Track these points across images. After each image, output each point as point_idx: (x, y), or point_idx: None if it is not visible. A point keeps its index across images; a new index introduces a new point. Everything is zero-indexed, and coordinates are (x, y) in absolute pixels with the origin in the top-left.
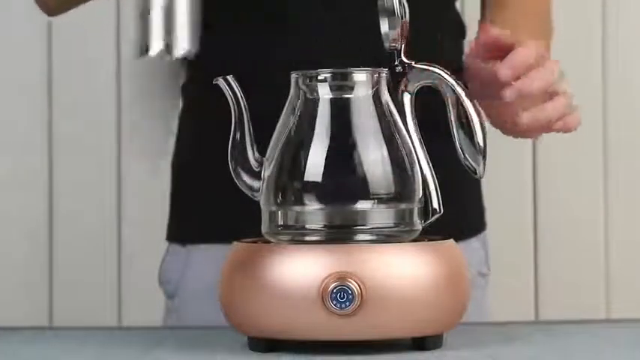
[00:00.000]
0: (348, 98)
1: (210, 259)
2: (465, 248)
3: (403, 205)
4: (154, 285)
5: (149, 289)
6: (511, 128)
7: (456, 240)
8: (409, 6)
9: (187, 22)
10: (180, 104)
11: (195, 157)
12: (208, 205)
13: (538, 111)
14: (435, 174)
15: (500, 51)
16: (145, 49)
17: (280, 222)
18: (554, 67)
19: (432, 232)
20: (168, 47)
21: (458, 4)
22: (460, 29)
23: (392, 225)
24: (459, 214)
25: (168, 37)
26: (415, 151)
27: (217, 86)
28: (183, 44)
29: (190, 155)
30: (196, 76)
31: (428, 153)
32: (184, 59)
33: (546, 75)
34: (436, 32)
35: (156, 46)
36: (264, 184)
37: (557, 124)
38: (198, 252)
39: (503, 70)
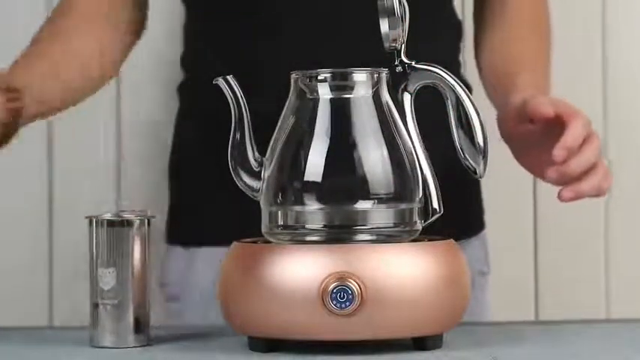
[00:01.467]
0: (348, 98)
1: (213, 261)
2: (465, 248)
3: (403, 205)
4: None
5: None
6: (538, 173)
7: (456, 239)
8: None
9: None
10: (178, 105)
11: (194, 158)
12: (210, 207)
13: (575, 185)
14: (435, 174)
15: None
16: None
17: (280, 222)
18: (598, 142)
19: (432, 232)
20: None
21: (458, 6)
22: (458, 30)
23: (392, 225)
24: (459, 214)
25: None
26: (415, 151)
27: (215, 86)
28: None
29: (189, 156)
30: (193, 77)
31: (428, 152)
32: (182, 59)
33: (592, 156)
34: (433, 33)
35: None
36: (264, 184)
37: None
38: (201, 254)
39: (559, 151)
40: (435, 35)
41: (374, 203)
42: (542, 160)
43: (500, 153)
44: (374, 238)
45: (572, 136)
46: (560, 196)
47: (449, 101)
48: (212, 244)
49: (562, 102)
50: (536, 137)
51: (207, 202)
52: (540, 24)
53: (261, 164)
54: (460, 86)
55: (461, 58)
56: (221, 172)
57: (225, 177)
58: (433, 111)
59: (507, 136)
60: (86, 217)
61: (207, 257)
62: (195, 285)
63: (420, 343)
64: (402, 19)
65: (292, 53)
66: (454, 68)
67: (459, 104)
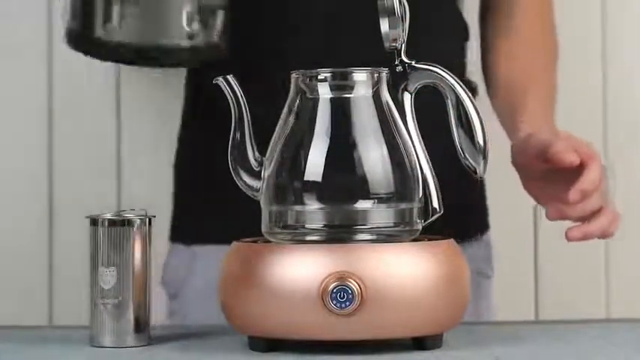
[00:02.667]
0: (348, 98)
1: (215, 260)
2: (469, 248)
3: (403, 205)
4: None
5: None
6: (543, 202)
7: (461, 240)
8: (412, 7)
9: None
10: (182, 104)
11: (199, 158)
12: (213, 206)
13: (583, 226)
14: (437, 174)
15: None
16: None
17: (280, 222)
18: (606, 186)
19: (436, 232)
20: None
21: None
22: (463, 31)
23: (392, 225)
24: (463, 215)
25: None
26: (415, 151)
27: (219, 86)
28: None
29: (194, 155)
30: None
31: (429, 152)
32: None
33: (601, 201)
34: (437, 33)
35: None
36: (264, 184)
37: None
38: (203, 252)
39: (575, 194)
40: (438, 35)
41: (374, 203)
42: (548, 192)
43: (500, 153)
44: (374, 237)
45: (589, 180)
46: (567, 236)
47: (449, 101)
48: (214, 242)
49: (581, 144)
50: (549, 172)
51: (211, 201)
52: (547, 35)
53: (261, 164)
54: (460, 86)
55: (467, 59)
56: (227, 171)
57: (230, 177)
58: (433, 111)
59: (521, 168)
60: (87, 217)
61: (209, 255)
62: (197, 283)
63: (420, 343)
64: (402, 19)
65: (293, 53)
66: (459, 69)
67: (459, 104)
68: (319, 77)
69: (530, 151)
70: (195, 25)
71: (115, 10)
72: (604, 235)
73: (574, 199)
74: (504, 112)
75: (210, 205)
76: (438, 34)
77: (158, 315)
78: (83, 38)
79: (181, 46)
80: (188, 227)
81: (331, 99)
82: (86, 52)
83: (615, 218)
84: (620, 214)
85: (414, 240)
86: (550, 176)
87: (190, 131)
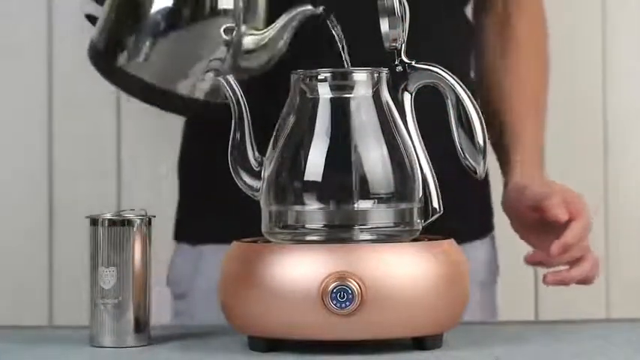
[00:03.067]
0: (348, 98)
1: (220, 259)
2: (474, 249)
3: (403, 205)
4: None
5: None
6: (530, 244)
7: (465, 241)
8: (412, 8)
9: None
10: None
11: (203, 157)
12: (219, 205)
13: (563, 272)
14: (440, 175)
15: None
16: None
17: (280, 222)
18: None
19: (440, 233)
20: None
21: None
22: (467, 31)
23: (392, 225)
24: (469, 215)
25: None
26: (415, 151)
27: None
28: None
29: (199, 155)
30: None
31: (429, 152)
32: None
33: (581, 250)
34: (440, 33)
35: None
36: (264, 184)
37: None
38: (209, 252)
39: (556, 248)
40: (441, 36)
41: (374, 203)
42: (535, 238)
43: None
44: (374, 238)
45: (572, 235)
46: (545, 281)
47: (449, 101)
48: (220, 242)
49: (573, 197)
50: (538, 221)
51: (217, 201)
52: (540, 73)
53: (261, 164)
54: (460, 86)
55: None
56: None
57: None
58: (433, 111)
59: (512, 214)
60: (87, 217)
61: (215, 255)
62: (202, 282)
63: (420, 343)
64: (402, 19)
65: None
66: (462, 69)
67: (459, 104)
68: (319, 77)
69: (525, 203)
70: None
71: (146, 45)
72: (583, 281)
73: (555, 252)
74: (498, 149)
75: (220, 205)
76: (439, 34)
77: (163, 315)
78: (106, 63)
79: (193, 99)
80: (196, 227)
81: (331, 99)
82: (104, 75)
83: (596, 264)
84: (599, 260)
85: (414, 240)
86: (538, 225)
87: (196, 130)
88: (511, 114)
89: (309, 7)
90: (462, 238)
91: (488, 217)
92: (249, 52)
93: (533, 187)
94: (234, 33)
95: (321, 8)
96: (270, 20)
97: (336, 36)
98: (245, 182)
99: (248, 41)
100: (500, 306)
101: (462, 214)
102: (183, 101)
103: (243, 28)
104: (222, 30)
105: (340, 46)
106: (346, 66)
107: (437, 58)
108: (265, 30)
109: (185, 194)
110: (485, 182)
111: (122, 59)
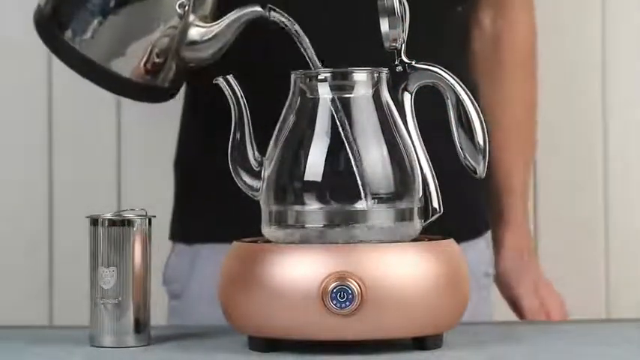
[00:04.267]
0: (348, 98)
1: (217, 259)
2: (471, 248)
3: (403, 205)
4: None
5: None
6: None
7: (462, 240)
8: (413, 8)
9: None
10: (182, 103)
11: (200, 157)
12: (215, 204)
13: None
14: (439, 174)
15: None
16: None
17: (280, 222)
18: None
19: (437, 232)
20: None
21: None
22: (466, 31)
23: (392, 225)
24: (465, 214)
25: None
26: (415, 151)
27: (219, 86)
28: None
29: (195, 154)
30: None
31: (429, 152)
32: None
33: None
34: (439, 33)
35: None
36: (264, 184)
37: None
38: (205, 251)
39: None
40: (439, 35)
41: (374, 203)
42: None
43: None
44: (374, 238)
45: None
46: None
47: (449, 101)
48: (216, 241)
49: (554, 301)
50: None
51: (214, 200)
52: (530, 131)
53: (261, 164)
54: (460, 86)
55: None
56: (228, 170)
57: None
58: (433, 111)
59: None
60: (87, 217)
61: (212, 254)
62: (199, 282)
63: (420, 343)
64: (402, 19)
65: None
66: (459, 69)
67: (459, 104)
68: (319, 77)
69: (505, 294)
70: (150, 66)
71: (93, 24)
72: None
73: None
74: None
75: (217, 204)
76: (438, 33)
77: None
78: (49, 31)
79: (131, 81)
80: (193, 226)
81: (331, 99)
82: (46, 43)
83: (562, 308)
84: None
85: (414, 240)
86: None
87: (192, 129)
88: (501, 170)
89: (258, 8)
90: (464, 237)
91: (485, 216)
92: (192, 43)
93: (516, 289)
94: (187, 8)
95: (269, 11)
96: (217, 15)
97: (295, 38)
98: (245, 182)
99: (193, 33)
100: (501, 306)
101: (462, 214)
102: (121, 82)
103: (191, 17)
104: (177, 5)
105: (302, 48)
106: (312, 67)
107: (437, 58)
108: (212, 24)
109: (181, 193)
110: (481, 181)
111: (68, 33)
